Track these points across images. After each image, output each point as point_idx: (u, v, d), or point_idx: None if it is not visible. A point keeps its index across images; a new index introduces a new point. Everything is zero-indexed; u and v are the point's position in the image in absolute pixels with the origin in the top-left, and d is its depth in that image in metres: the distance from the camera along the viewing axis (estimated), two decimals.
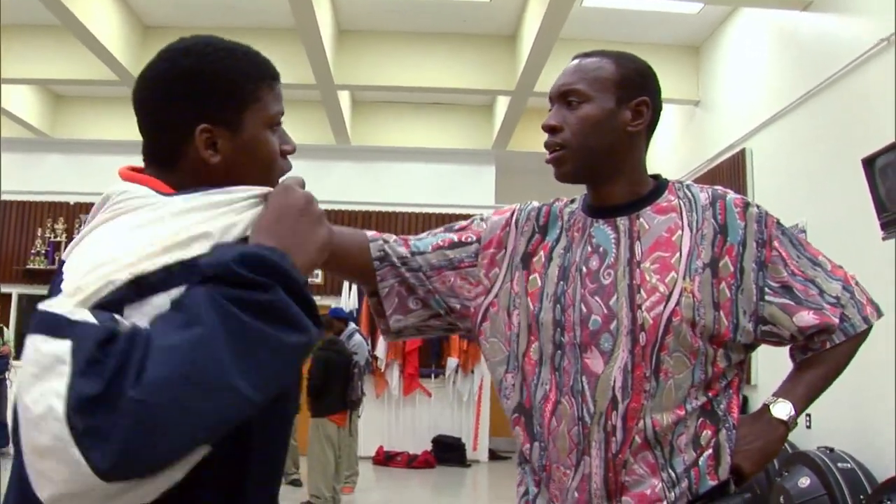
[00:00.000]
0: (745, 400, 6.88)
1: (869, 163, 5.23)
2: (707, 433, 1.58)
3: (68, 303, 0.95)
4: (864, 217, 5.43)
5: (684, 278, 1.57)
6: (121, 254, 1.00)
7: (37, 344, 0.91)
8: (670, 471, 1.55)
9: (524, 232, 1.75)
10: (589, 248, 1.65)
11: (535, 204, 1.80)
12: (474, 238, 1.78)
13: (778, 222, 1.66)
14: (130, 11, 8.73)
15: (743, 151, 7.87)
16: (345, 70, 9.08)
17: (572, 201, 1.77)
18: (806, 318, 1.61)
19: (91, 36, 7.83)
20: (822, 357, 1.67)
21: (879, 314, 1.70)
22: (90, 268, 0.99)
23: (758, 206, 1.65)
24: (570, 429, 1.58)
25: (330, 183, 11.17)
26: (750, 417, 1.67)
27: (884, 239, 5.22)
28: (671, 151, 9.96)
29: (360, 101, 11.27)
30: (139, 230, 1.05)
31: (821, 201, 6.36)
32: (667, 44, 9.09)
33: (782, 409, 1.64)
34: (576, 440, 1.57)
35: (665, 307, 1.55)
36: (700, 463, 1.57)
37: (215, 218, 1.08)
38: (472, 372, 11.37)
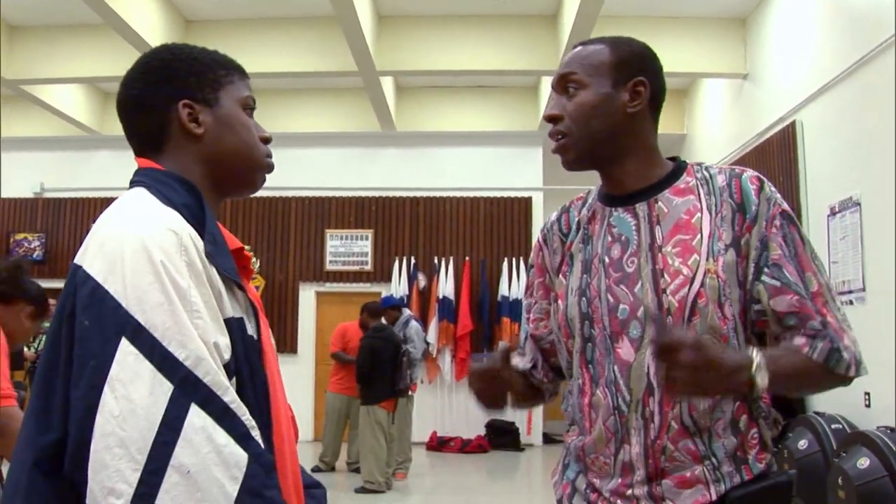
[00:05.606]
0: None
1: None
2: (744, 417, 1.57)
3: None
4: None
5: (707, 259, 1.55)
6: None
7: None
8: (713, 458, 1.54)
9: (556, 250, 1.78)
10: (609, 238, 1.65)
11: (553, 216, 1.82)
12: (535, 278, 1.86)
13: (787, 213, 1.59)
14: (171, 7, 8.81)
15: (793, 124, 7.70)
16: (386, 56, 9.07)
17: (587, 195, 1.79)
18: (785, 300, 1.52)
19: (133, 32, 7.93)
20: (801, 355, 1.52)
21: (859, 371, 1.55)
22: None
23: (771, 189, 1.60)
24: (605, 419, 1.59)
25: (377, 170, 11.17)
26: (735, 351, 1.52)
27: None
28: (720, 126, 9.77)
29: (403, 86, 11.26)
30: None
31: (874, 173, 6.17)
32: (712, 16, 8.94)
33: (761, 380, 1.44)
34: (612, 430, 1.58)
35: (689, 289, 1.54)
36: (750, 460, 1.56)
37: None
38: None
